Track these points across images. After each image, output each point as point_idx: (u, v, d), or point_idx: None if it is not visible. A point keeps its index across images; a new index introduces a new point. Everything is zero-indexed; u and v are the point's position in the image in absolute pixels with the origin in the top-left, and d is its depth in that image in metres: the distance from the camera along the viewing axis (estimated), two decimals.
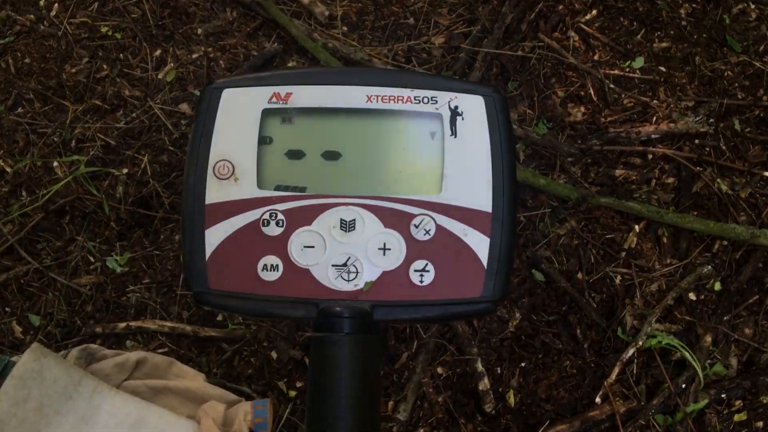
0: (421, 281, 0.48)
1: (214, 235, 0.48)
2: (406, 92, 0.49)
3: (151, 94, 1.56)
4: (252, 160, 0.49)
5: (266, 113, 0.49)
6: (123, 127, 1.52)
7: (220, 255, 0.48)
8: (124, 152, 1.50)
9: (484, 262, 0.48)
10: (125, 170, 1.48)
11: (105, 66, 1.60)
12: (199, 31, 1.63)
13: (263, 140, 0.49)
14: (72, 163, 1.49)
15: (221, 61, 1.60)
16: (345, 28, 1.63)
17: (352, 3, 1.66)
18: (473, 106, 0.49)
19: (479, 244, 0.48)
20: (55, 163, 1.50)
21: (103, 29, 1.63)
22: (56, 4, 1.67)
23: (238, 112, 0.49)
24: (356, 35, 1.62)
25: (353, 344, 0.46)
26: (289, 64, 1.58)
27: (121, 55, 1.61)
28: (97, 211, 1.45)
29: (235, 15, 1.65)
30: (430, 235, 0.48)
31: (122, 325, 1.37)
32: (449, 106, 0.49)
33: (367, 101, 0.49)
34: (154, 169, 1.48)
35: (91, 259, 1.43)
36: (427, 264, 0.48)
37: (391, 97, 0.49)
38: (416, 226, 0.48)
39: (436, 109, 0.49)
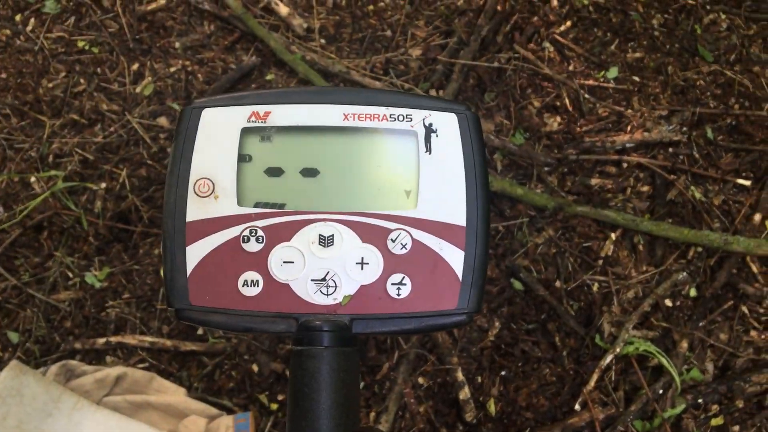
0: (398, 294, 0.49)
1: (195, 252, 0.49)
2: (382, 110, 0.51)
3: (129, 108, 1.56)
4: (232, 177, 0.50)
5: (245, 132, 0.50)
6: (101, 142, 1.52)
7: (201, 271, 0.49)
8: (102, 167, 1.50)
9: (459, 275, 0.49)
10: (103, 185, 1.48)
11: (82, 80, 1.59)
12: (177, 44, 1.63)
13: (243, 158, 0.50)
14: (50, 179, 1.48)
15: (199, 75, 1.60)
16: (323, 41, 1.64)
17: (329, 15, 1.67)
18: (447, 124, 0.51)
19: (454, 257, 0.49)
20: (33, 179, 1.49)
21: (80, 44, 1.63)
22: (32, 19, 1.66)
23: (218, 131, 0.50)
24: (334, 47, 1.64)
25: (333, 357, 0.47)
26: (268, 77, 1.59)
27: (99, 69, 1.61)
28: (75, 226, 1.45)
29: (213, 28, 1.66)
30: (406, 249, 0.49)
31: (102, 340, 1.36)
32: (424, 123, 0.51)
33: (344, 119, 0.51)
34: (132, 183, 1.48)
35: (70, 275, 1.42)
36: (403, 277, 0.49)
37: (368, 115, 0.51)
38: (393, 241, 0.49)
39: (411, 126, 0.51)
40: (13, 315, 1.40)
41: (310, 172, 0.50)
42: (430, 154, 0.50)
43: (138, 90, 1.59)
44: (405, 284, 0.49)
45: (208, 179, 0.49)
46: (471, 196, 0.50)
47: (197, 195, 0.49)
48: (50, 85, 1.59)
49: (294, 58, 1.58)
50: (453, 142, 0.51)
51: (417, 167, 0.50)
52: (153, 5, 1.66)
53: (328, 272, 0.49)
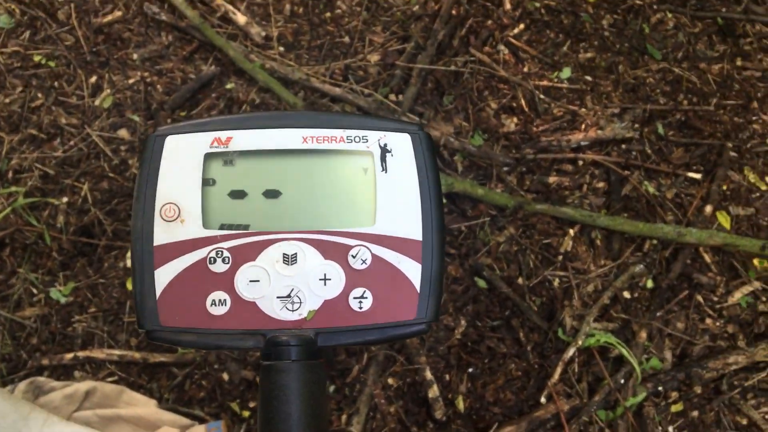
0: (360, 307, 0.51)
1: (164, 275, 0.50)
2: (339, 132, 0.53)
3: (89, 121, 1.56)
4: (197, 201, 0.51)
5: (208, 157, 0.52)
6: (61, 156, 1.51)
7: (169, 293, 0.50)
8: (63, 181, 1.49)
9: (417, 286, 0.52)
10: (65, 199, 1.47)
11: (40, 95, 1.58)
12: (135, 56, 1.63)
13: (207, 182, 0.52)
14: (10, 195, 1.47)
15: (158, 86, 1.60)
16: (282, 49, 1.65)
17: (287, 23, 1.68)
18: (401, 143, 0.54)
19: (412, 270, 0.52)
20: None
21: (36, 58, 1.61)
22: None
23: (182, 157, 0.52)
24: (293, 55, 1.65)
25: (300, 370, 0.49)
26: (228, 86, 1.60)
27: (56, 83, 1.60)
28: (38, 241, 1.44)
29: (171, 39, 1.66)
30: (366, 264, 0.51)
31: (69, 355, 1.36)
32: (379, 144, 0.53)
33: (303, 142, 0.53)
34: (95, 196, 1.48)
35: (35, 291, 1.41)
36: (365, 291, 0.51)
37: (325, 138, 0.53)
38: (353, 257, 0.51)
39: (367, 147, 0.53)
40: None
41: (272, 194, 0.52)
42: (386, 172, 0.53)
43: (97, 103, 1.58)
44: (366, 297, 0.51)
45: (174, 204, 0.51)
46: (426, 211, 0.52)
47: (164, 219, 0.51)
48: (7, 100, 1.58)
49: (253, 67, 1.59)
50: (407, 161, 0.53)
51: (374, 186, 0.53)
52: (109, 17, 1.66)
53: (292, 289, 0.51)
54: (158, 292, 0.50)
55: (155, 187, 0.51)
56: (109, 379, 1.35)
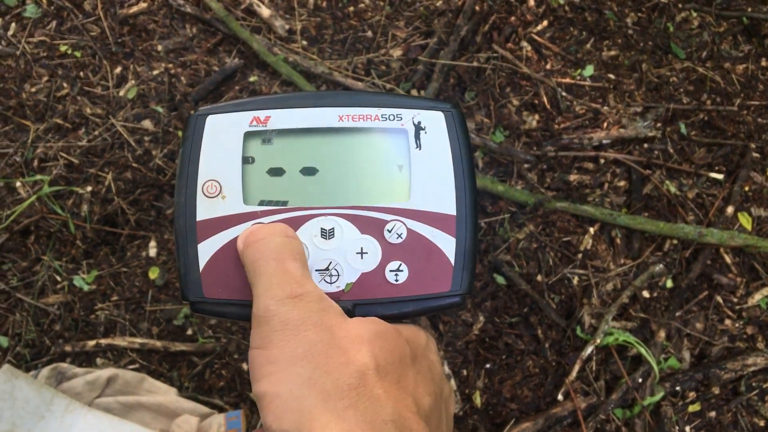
0: (396, 280, 0.52)
1: (207, 249, 0.52)
2: (374, 111, 0.54)
3: (113, 111, 1.57)
4: (237, 178, 0.53)
5: (248, 136, 0.54)
6: (85, 145, 1.53)
7: (212, 266, 0.52)
8: (88, 170, 1.51)
9: (452, 259, 0.53)
10: (89, 188, 1.49)
11: (65, 84, 1.60)
12: (159, 47, 1.64)
13: (246, 160, 0.53)
14: (35, 183, 1.49)
15: (182, 77, 1.61)
16: (305, 42, 1.66)
17: (311, 17, 1.69)
18: (434, 121, 0.55)
19: (446, 244, 0.53)
20: (18, 183, 1.49)
21: (62, 48, 1.63)
22: (13, 24, 1.66)
23: (222, 136, 0.54)
24: (316, 49, 1.66)
25: None
26: (251, 79, 1.61)
27: (81, 73, 1.62)
28: (62, 230, 1.46)
29: (195, 31, 1.67)
30: (402, 238, 0.53)
31: (92, 343, 1.37)
32: (413, 121, 0.54)
33: (339, 120, 0.54)
34: (118, 186, 1.49)
35: (58, 279, 1.43)
36: (401, 264, 0.52)
37: (361, 116, 0.54)
38: (389, 231, 0.52)
39: (402, 125, 0.54)
40: (2, 319, 1.41)
41: (309, 171, 0.53)
42: (420, 149, 0.54)
43: (121, 93, 1.60)
44: (402, 270, 0.52)
45: (215, 181, 0.52)
46: (459, 186, 0.54)
47: (205, 196, 0.52)
48: (33, 89, 1.60)
49: (276, 60, 1.59)
50: (441, 138, 0.54)
51: (408, 162, 0.54)
52: (134, 8, 1.67)
53: (330, 262, 0.52)
54: (201, 266, 0.52)
55: (197, 164, 0.53)
56: (131, 367, 1.37)
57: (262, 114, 0.54)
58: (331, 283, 0.52)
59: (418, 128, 0.54)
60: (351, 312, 0.52)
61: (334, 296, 0.52)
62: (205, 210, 0.52)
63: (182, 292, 0.52)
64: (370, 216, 0.52)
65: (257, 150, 0.54)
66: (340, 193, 0.53)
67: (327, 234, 0.52)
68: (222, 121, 0.54)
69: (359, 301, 0.52)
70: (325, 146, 0.54)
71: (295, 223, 0.52)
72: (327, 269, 0.52)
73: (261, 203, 0.52)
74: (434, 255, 0.52)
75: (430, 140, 0.54)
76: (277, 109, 0.54)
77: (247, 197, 0.52)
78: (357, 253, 0.52)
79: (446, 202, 0.53)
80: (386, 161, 0.54)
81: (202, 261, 0.51)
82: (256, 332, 0.43)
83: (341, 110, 0.54)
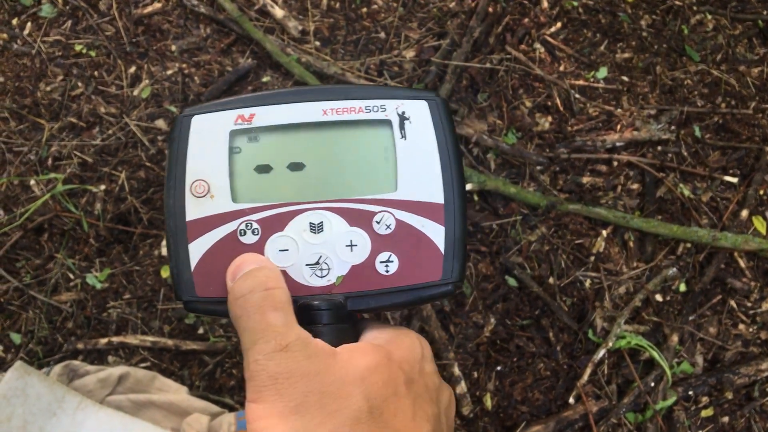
0: (387, 271, 0.53)
1: (197, 248, 0.52)
2: (358, 103, 0.55)
3: (127, 110, 1.58)
4: (225, 177, 0.53)
5: (233, 134, 0.54)
6: (99, 144, 1.54)
7: (204, 265, 0.52)
8: (101, 169, 1.52)
9: (441, 248, 0.53)
10: (103, 187, 1.50)
11: (80, 83, 1.61)
12: (173, 47, 1.65)
13: (233, 158, 0.54)
14: (49, 181, 1.50)
15: (196, 77, 1.62)
16: (318, 43, 1.66)
17: (324, 18, 1.70)
18: (418, 110, 0.55)
19: (435, 232, 0.53)
20: (33, 182, 1.50)
21: (77, 47, 1.64)
22: (29, 23, 1.67)
23: (208, 135, 0.54)
24: (329, 49, 1.66)
25: (332, 333, 0.51)
26: (264, 80, 1.61)
27: (96, 72, 1.63)
28: (75, 228, 1.46)
29: (209, 31, 1.68)
30: (390, 229, 0.53)
31: (104, 340, 1.38)
32: (397, 112, 0.54)
33: (323, 114, 0.54)
34: (131, 185, 1.50)
35: (71, 276, 1.44)
36: (390, 255, 0.53)
37: (345, 109, 0.54)
38: (378, 223, 0.53)
39: (386, 116, 0.54)
40: (16, 316, 1.42)
41: (296, 166, 0.54)
42: (405, 139, 0.54)
43: (135, 93, 1.60)
44: (392, 261, 0.52)
45: (203, 180, 0.53)
46: (446, 174, 0.53)
47: (194, 195, 0.53)
48: (48, 88, 1.61)
49: (290, 61, 1.60)
50: (425, 127, 0.54)
51: (394, 153, 0.54)
52: (149, 9, 1.68)
53: (320, 256, 0.52)
54: (193, 265, 0.52)
55: (185, 165, 0.53)
56: (142, 365, 1.38)
57: (246, 112, 0.54)
58: (321, 277, 0.52)
59: (403, 118, 0.54)
60: (343, 305, 0.52)
61: (325, 290, 0.52)
62: (194, 210, 0.52)
63: (175, 292, 0.52)
64: (358, 208, 0.52)
65: (243, 148, 0.54)
66: (327, 187, 0.53)
67: (316, 228, 0.52)
68: (207, 120, 0.54)
69: (351, 294, 0.52)
70: (310, 141, 0.54)
71: (284, 219, 0.52)
72: (317, 263, 0.52)
73: (249, 201, 0.53)
74: (424, 244, 0.52)
75: (414, 130, 0.54)
76: (261, 106, 0.54)
77: (235, 195, 0.53)
78: (346, 245, 0.52)
79: (433, 191, 0.53)
80: (372, 153, 0.54)
81: (194, 261, 0.52)
82: (248, 385, 0.43)
83: (325, 104, 0.54)
